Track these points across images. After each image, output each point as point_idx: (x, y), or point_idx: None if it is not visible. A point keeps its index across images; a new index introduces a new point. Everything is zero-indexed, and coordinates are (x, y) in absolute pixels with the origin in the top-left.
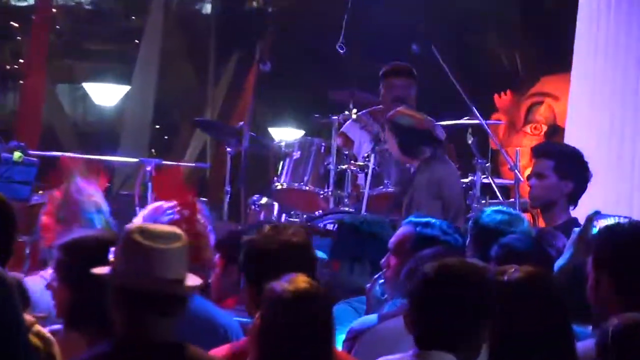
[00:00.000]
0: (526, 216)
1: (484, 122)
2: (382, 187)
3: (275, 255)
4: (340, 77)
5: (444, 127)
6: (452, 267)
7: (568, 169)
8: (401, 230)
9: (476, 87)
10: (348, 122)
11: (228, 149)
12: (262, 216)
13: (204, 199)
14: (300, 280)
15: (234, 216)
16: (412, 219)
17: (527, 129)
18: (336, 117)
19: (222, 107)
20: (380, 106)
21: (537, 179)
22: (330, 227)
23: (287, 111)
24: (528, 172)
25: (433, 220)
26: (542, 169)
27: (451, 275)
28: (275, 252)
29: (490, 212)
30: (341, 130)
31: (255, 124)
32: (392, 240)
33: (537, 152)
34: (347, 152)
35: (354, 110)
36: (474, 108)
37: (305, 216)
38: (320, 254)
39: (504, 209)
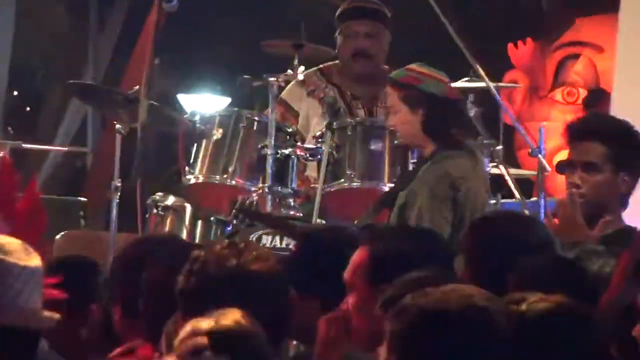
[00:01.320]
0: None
1: (492, 85)
2: (342, 179)
3: (223, 285)
4: (279, 21)
5: None
6: (454, 299)
7: (625, 156)
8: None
9: (481, 33)
10: (290, 85)
11: (117, 126)
12: (167, 223)
13: (83, 199)
14: (229, 317)
15: (126, 224)
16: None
17: (557, 94)
18: (274, 79)
19: (109, 65)
20: (337, 62)
21: (584, 172)
22: (269, 240)
23: (203, 71)
24: (559, 158)
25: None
26: (591, 157)
27: (454, 312)
28: (225, 280)
29: (499, 215)
30: (281, 96)
31: (157, 89)
32: (351, 261)
33: (579, 131)
34: (290, 130)
35: (301, 69)
36: (476, 65)
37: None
38: None
39: (516, 211)
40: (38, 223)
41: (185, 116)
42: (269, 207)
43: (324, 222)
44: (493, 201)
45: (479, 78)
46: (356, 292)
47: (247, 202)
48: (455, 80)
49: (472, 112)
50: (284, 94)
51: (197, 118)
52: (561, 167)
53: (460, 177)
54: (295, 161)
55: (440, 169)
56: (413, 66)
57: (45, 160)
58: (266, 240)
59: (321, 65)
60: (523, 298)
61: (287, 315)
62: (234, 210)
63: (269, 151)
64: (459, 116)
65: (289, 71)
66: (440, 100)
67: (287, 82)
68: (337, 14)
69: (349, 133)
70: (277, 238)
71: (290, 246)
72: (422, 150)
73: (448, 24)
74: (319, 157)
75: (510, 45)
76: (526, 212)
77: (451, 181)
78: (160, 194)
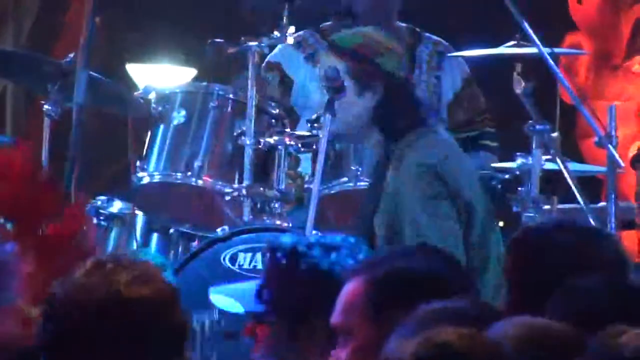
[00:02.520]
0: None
1: (546, 51)
2: (346, 179)
3: (87, 319)
4: None
5: (467, 61)
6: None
7: None
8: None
9: None
10: (281, 45)
11: (46, 107)
12: (112, 237)
13: None
14: None
15: None
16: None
17: (635, 64)
18: (255, 43)
19: (34, 25)
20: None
21: None
22: (247, 259)
23: (160, 33)
24: (636, 149)
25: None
26: None
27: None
28: (99, 313)
29: (551, 226)
30: (269, 59)
31: (100, 57)
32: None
33: None
34: (277, 111)
35: (291, 29)
36: (526, 25)
37: (196, 238)
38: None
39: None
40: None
41: (136, 93)
42: (247, 215)
43: (318, 233)
44: (547, 206)
45: (529, 42)
46: (355, 337)
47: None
48: (497, 45)
49: (519, 88)
50: (274, 55)
51: (152, 96)
52: (638, 161)
53: (445, 159)
54: (284, 153)
55: (413, 160)
56: (370, 31)
57: None
58: (244, 259)
59: (321, 25)
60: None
61: (179, 350)
62: None
63: (247, 140)
64: (414, 105)
65: (276, 33)
66: (399, 83)
67: (273, 48)
68: None
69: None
70: (258, 256)
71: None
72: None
73: None
74: (315, 147)
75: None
76: (590, 220)
77: (434, 172)
78: (102, 197)
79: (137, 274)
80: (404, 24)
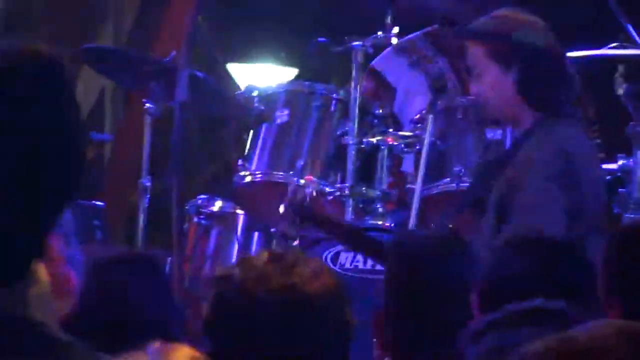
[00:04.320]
0: None
1: None
2: (448, 179)
3: (267, 313)
4: None
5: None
6: None
7: None
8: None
9: None
10: (386, 51)
11: (147, 105)
12: (213, 236)
13: (100, 203)
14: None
15: (157, 237)
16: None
17: None
18: (359, 43)
19: (135, 23)
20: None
21: None
22: (349, 259)
23: (263, 32)
24: None
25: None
26: None
27: None
28: (278, 304)
29: None
30: (372, 65)
31: (201, 55)
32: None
33: None
34: (380, 111)
35: (395, 30)
36: (629, 26)
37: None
38: None
39: None
40: None
41: (238, 93)
42: (349, 215)
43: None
44: None
45: (631, 43)
46: None
47: (298, 197)
48: (599, 47)
49: (621, 89)
50: (376, 62)
51: (254, 95)
52: None
53: (580, 154)
54: (386, 153)
55: (551, 143)
56: (500, 12)
57: None
58: (345, 259)
59: (427, 29)
60: None
61: (345, 349)
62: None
63: (350, 140)
64: (564, 77)
65: (380, 33)
66: (542, 53)
67: (377, 48)
68: None
69: (459, 117)
70: (359, 256)
71: (378, 266)
72: (516, 126)
73: None
74: (418, 148)
75: None
76: None
77: (568, 159)
78: (203, 196)
79: (312, 268)
80: None
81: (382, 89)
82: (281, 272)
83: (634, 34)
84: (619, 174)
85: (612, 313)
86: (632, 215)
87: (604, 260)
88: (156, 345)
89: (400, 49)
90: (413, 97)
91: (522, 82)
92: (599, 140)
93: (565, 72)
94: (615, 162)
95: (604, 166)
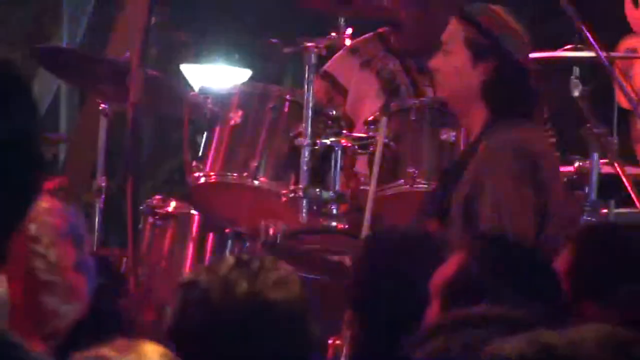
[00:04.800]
0: None
1: (603, 55)
2: (402, 180)
3: (234, 319)
4: None
5: None
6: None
7: None
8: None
9: None
10: (339, 53)
11: (102, 106)
12: (168, 238)
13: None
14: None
15: (112, 237)
16: None
17: None
18: (312, 44)
19: (89, 24)
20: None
21: None
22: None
23: (216, 33)
24: None
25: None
26: None
27: None
28: (240, 312)
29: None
30: (325, 68)
31: (155, 55)
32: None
33: None
34: (333, 112)
35: (348, 31)
36: (582, 27)
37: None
38: None
39: None
40: None
41: (192, 94)
42: (303, 216)
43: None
44: (604, 210)
45: (586, 45)
46: None
47: (270, 234)
48: (555, 49)
49: (577, 91)
50: (329, 65)
51: (208, 96)
52: None
53: (541, 151)
54: (340, 155)
55: (511, 141)
56: (499, 9)
57: None
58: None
59: (379, 29)
60: None
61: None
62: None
63: (304, 141)
64: (528, 93)
65: (333, 34)
66: (515, 63)
67: (330, 49)
68: None
69: (413, 118)
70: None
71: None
72: (463, 120)
73: None
74: (372, 149)
75: (627, 2)
76: None
77: (531, 157)
78: (158, 197)
79: (277, 275)
80: None
81: (334, 90)
82: (246, 278)
83: (588, 35)
84: (575, 176)
85: (584, 316)
86: (588, 218)
87: (569, 263)
88: (121, 340)
89: (352, 50)
90: (365, 98)
91: (488, 81)
92: (554, 140)
93: (530, 88)
94: (572, 164)
95: (561, 168)
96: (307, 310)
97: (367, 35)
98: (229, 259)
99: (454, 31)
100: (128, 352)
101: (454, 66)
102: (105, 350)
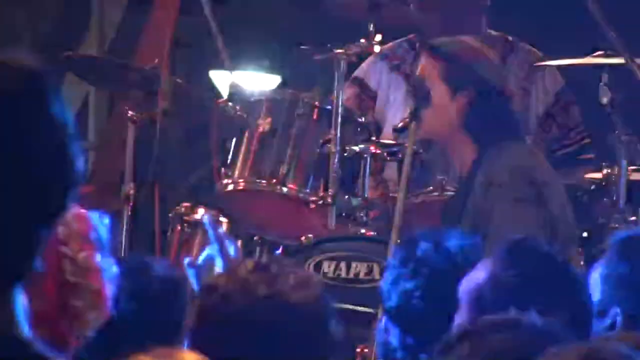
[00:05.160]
0: None
1: (632, 61)
2: (432, 187)
3: (252, 322)
4: None
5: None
6: None
7: None
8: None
9: None
10: (368, 59)
11: (130, 113)
12: (196, 244)
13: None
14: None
15: (140, 244)
16: None
17: None
18: (342, 50)
19: (117, 31)
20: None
21: None
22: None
23: (245, 39)
24: None
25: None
26: None
27: None
28: (261, 314)
29: None
30: (354, 75)
31: (183, 63)
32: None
33: None
34: (362, 119)
35: (378, 37)
36: (613, 34)
37: (281, 245)
38: None
39: None
40: None
41: (221, 100)
42: (332, 223)
43: None
44: (632, 217)
45: (616, 52)
46: None
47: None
48: (583, 56)
49: (606, 98)
50: (359, 70)
51: (237, 103)
52: None
53: (538, 167)
54: (369, 161)
55: (506, 162)
56: (468, 39)
57: None
58: (327, 267)
59: (410, 35)
60: None
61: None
62: None
63: (333, 148)
64: (508, 119)
65: (363, 40)
66: (493, 91)
67: (360, 56)
68: None
69: None
70: (343, 265)
71: (361, 276)
72: (452, 155)
73: None
74: (401, 156)
75: None
76: None
77: (529, 175)
78: (186, 204)
79: (296, 278)
80: (496, 32)
81: (364, 94)
82: (265, 281)
83: (617, 42)
84: (603, 183)
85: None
86: (616, 225)
87: (605, 270)
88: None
89: (381, 55)
90: (393, 102)
91: (467, 112)
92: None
93: (509, 114)
94: (600, 171)
95: (592, 176)
96: (327, 312)
97: (396, 41)
98: (248, 263)
99: (428, 67)
100: (167, 359)
101: (434, 103)
102: (144, 357)
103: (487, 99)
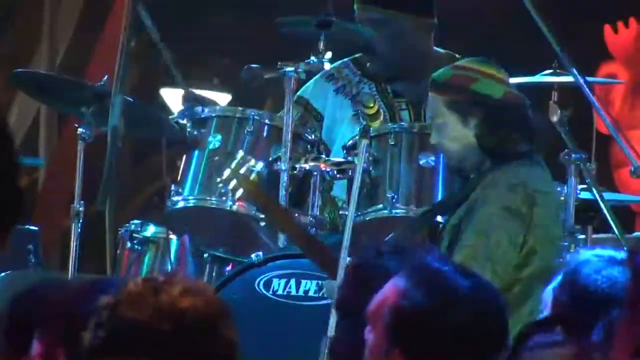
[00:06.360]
0: None
1: (582, 80)
2: (381, 205)
3: (146, 334)
4: None
5: None
6: None
7: None
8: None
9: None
10: (314, 78)
11: (80, 130)
12: (146, 262)
13: (33, 227)
14: None
15: (90, 262)
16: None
17: None
18: (292, 69)
19: (68, 48)
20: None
21: None
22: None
23: (196, 57)
24: None
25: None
26: None
27: None
28: (146, 327)
29: (592, 259)
30: (299, 94)
31: (134, 80)
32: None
33: None
34: (312, 137)
35: (328, 55)
36: (563, 55)
37: (231, 262)
38: None
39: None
40: None
41: (171, 117)
42: (281, 240)
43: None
44: (582, 236)
45: (565, 71)
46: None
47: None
48: (534, 74)
49: (556, 116)
50: (304, 90)
51: (187, 120)
52: None
53: (539, 190)
54: (318, 179)
55: (512, 176)
56: (462, 62)
57: None
58: (277, 285)
59: (357, 55)
60: None
61: None
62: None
63: (283, 166)
64: (524, 127)
65: (312, 58)
66: (500, 105)
67: (309, 74)
68: None
69: (391, 143)
70: (293, 282)
71: (311, 293)
72: (479, 171)
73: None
74: (350, 174)
75: (607, 28)
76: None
77: (527, 192)
78: (136, 221)
79: (189, 286)
80: (442, 50)
81: (308, 114)
82: (151, 292)
83: (567, 60)
84: None
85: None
86: (565, 243)
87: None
88: None
89: (327, 76)
90: (340, 124)
91: (482, 134)
92: None
93: (524, 120)
94: None
95: None
96: (224, 315)
97: (342, 60)
98: (139, 278)
99: (433, 102)
100: None
101: (450, 135)
102: None
103: (495, 114)
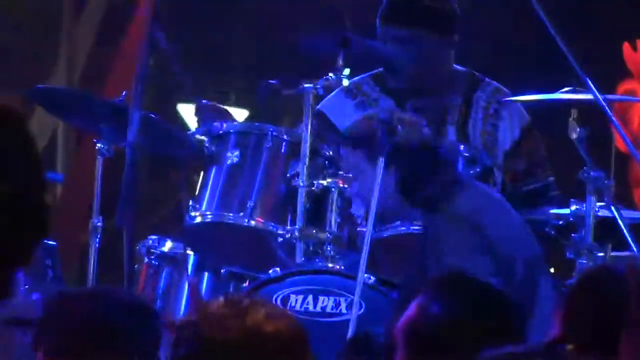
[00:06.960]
0: None
1: (601, 97)
2: (399, 222)
3: (230, 355)
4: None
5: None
6: None
7: None
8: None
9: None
10: (333, 93)
11: (99, 145)
12: (163, 277)
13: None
14: None
15: (108, 277)
16: None
17: None
18: (311, 85)
19: (86, 64)
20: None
21: None
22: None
23: (214, 73)
24: None
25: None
26: None
27: None
28: (231, 349)
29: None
30: (319, 108)
31: (152, 95)
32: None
33: None
34: (330, 153)
35: (346, 71)
36: (582, 73)
37: (248, 279)
38: None
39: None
40: None
41: (189, 133)
42: (299, 256)
43: (373, 278)
44: (600, 253)
45: (584, 88)
46: None
47: None
48: (553, 91)
49: (575, 133)
50: (322, 105)
51: (205, 136)
52: None
53: (477, 210)
54: (336, 196)
55: (452, 213)
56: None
57: None
58: (295, 301)
59: (375, 71)
60: None
61: None
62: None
63: (301, 182)
64: (438, 172)
65: (331, 75)
66: (417, 153)
67: (328, 90)
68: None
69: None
70: (310, 298)
71: (329, 309)
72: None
73: (543, 15)
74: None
75: (626, 46)
76: None
77: (473, 223)
78: (154, 237)
79: (268, 310)
80: (462, 68)
81: (324, 128)
82: (236, 315)
83: (586, 78)
84: (572, 219)
85: None
86: (584, 261)
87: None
88: None
89: (346, 91)
90: None
91: (400, 182)
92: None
93: (437, 167)
94: (568, 207)
95: (559, 211)
96: (298, 344)
97: (361, 76)
98: (219, 298)
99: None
100: None
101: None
102: None
103: (414, 163)
